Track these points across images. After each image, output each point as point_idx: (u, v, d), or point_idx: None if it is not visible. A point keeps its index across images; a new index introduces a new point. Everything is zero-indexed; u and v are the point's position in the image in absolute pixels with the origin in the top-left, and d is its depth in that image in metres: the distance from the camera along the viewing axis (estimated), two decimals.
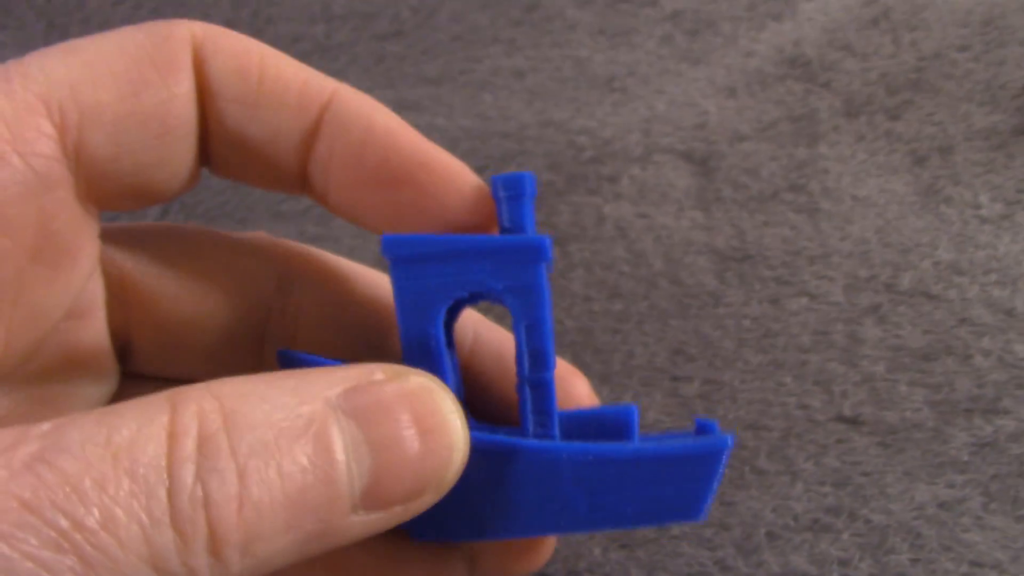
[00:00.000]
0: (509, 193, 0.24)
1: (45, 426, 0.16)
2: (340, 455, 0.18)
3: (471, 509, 0.24)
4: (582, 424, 0.25)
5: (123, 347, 0.26)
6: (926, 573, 0.29)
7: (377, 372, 0.20)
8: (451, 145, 0.44)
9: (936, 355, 0.35)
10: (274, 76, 0.24)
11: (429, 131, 0.45)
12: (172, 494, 0.16)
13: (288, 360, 0.24)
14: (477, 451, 0.23)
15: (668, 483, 0.23)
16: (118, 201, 0.24)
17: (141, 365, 0.27)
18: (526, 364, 0.24)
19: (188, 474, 0.16)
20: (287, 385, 0.18)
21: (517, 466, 0.23)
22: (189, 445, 0.16)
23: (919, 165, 0.41)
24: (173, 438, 0.16)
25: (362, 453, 0.18)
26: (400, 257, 0.24)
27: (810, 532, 0.31)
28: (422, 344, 0.24)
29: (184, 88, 0.23)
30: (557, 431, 0.24)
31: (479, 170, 0.43)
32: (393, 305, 0.24)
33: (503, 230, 0.25)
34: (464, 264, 0.24)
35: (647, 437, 0.26)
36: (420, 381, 0.20)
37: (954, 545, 0.30)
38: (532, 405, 0.24)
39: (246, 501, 0.16)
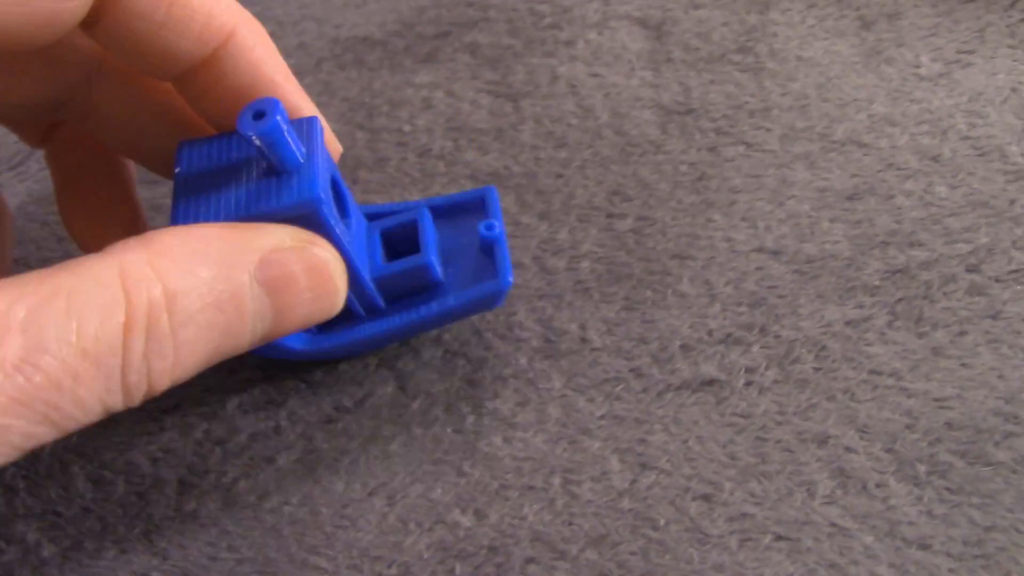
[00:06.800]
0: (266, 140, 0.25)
1: (21, 313, 0.20)
2: (249, 320, 0.24)
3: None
4: (394, 279, 0.30)
5: None
6: (827, 380, 0.31)
7: (287, 239, 0.25)
8: (416, 13, 0.46)
9: (860, 195, 0.36)
10: (183, 2, 0.26)
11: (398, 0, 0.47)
12: (125, 372, 0.21)
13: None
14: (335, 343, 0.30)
15: (472, 312, 0.31)
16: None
17: None
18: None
19: (137, 355, 0.22)
20: (213, 255, 0.23)
21: (357, 343, 0.31)
22: (140, 335, 0.21)
23: (866, 29, 0.42)
24: (128, 330, 0.21)
25: (266, 314, 0.24)
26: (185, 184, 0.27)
27: (722, 345, 0.33)
28: None
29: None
30: (383, 303, 0.31)
31: (442, 35, 0.45)
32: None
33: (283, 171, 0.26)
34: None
35: (431, 232, 0.32)
36: (321, 255, 0.26)
37: (856, 356, 0.32)
38: (362, 305, 0.31)
39: (177, 366, 0.23)
